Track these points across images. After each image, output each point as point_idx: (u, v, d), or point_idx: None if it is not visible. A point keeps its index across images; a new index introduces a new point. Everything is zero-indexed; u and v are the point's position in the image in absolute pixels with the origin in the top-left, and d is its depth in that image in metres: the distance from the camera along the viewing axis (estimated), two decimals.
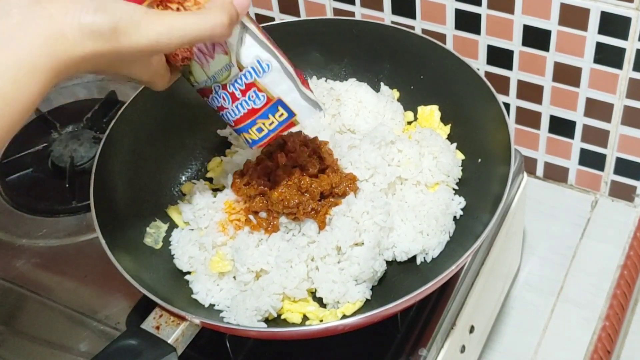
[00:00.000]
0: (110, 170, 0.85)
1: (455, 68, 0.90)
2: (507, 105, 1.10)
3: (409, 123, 0.95)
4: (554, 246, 1.10)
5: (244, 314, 0.77)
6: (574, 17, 0.96)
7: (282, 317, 0.79)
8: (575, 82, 1.02)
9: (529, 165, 1.16)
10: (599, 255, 1.08)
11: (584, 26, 0.96)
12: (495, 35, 1.03)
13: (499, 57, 1.05)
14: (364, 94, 0.93)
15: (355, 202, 0.80)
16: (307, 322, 0.79)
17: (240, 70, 0.71)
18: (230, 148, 0.94)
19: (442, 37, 1.07)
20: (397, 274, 0.82)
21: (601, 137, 1.07)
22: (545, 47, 1.01)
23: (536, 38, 1.00)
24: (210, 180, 0.92)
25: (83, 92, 1.16)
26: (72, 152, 1.05)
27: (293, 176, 0.81)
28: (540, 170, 1.17)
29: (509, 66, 1.06)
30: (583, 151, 1.10)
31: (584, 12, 0.95)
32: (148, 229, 0.86)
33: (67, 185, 1.02)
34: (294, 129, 0.76)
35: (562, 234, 1.11)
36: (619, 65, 0.98)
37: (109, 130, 0.86)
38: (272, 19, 1.19)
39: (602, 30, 0.95)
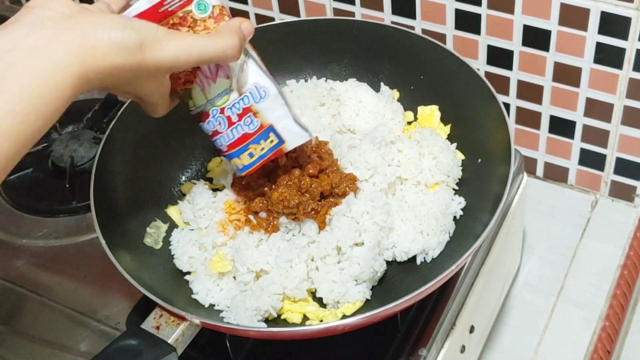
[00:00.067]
0: (110, 170, 0.85)
1: (455, 68, 0.90)
2: (507, 105, 1.10)
3: (409, 123, 0.95)
4: (554, 246, 1.10)
5: (244, 314, 0.77)
6: (574, 17, 0.96)
7: (282, 317, 0.79)
8: (575, 82, 1.02)
9: (529, 165, 1.16)
10: (599, 255, 1.08)
11: (584, 26, 0.96)
12: (495, 35, 1.03)
13: (499, 57, 1.05)
14: (364, 94, 0.93)
15: (355, 202, 0.80)
16: (307, 322, 0.79)
17: (239, 95, 0.73)
18: None
19: (442, 37, 1.07)
20: (397, 274, 0.82)
21: (601, 137, 1.07)
22: (545, 47, 1.01)
23: (536, 38, 1.00)
24: (210, 180, 0.92)
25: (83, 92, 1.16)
26: (72, 152, 1.05)
27: (293, 176, 0.81)
28: (540, 170, 1.17)
29: (509, 66, 1.06)
30: (583, 151, 1.10)
31: (584, 12, 0.95)
32: (148, 229, 0.86)
33: (67, 185, 1.02)
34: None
35: (562, 234, 1.11)
36: (619, 65, 0.98)
37: (109, 131, 0.87)
38: (272, 19, 1.19)
39: (602, 30, 0.95)
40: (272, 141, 0.76)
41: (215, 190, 0.88)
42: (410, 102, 0.95)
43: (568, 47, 0.99)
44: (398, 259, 0.82)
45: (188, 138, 0.92)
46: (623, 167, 1.09)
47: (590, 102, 1.04)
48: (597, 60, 0.99)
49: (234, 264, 0.80)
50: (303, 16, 1.16)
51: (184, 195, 0.90)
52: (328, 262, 0.79)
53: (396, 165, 0.85)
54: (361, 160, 0.83)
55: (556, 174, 1.16)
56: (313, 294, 0.80)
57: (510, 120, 1.03)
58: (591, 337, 1.00)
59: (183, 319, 0.73)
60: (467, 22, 1.04)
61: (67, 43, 0.58)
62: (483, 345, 1.00)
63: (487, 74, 1.08)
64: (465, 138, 0.90)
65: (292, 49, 0.98)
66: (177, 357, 0.72)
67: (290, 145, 0.76)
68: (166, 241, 0.86)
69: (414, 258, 0.82)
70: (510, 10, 0.99)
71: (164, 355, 0.71)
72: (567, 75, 1.02)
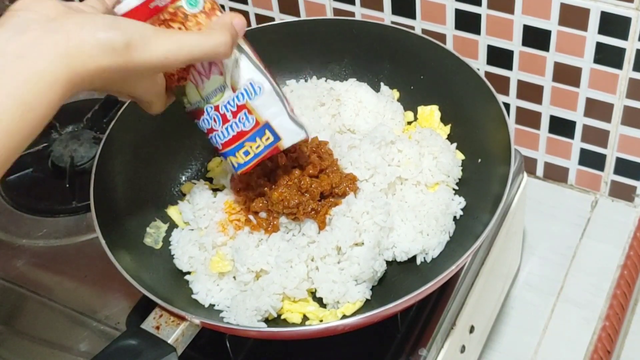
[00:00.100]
0: (110, 170, 0.85)
1: (455, 68, 0.90)
2: (507, 105, 1.10)
3: (409, 123, 0.95)
4: (554, 246, 1.10)
5: (244, 314, 0.77)
6: (574, 17, 0.96)
7: (282, 317, 0.79)
8: (575, 82, 1.02)
9: (529, 165, 1.16)
10: (599, 255, 1.08)
11: (584, 26, 0.96)
12: (495, 35, 1.03)
13: (499, 57, 1.05)
14: (364, 94, 0.93)
15: (355, 202, 0.80)
16: (307, 322, 0.79)
17: (234, 92, 0.72)
18: None
19: (442, 37, 1.07)
20: (397, 274, 0.82)
21: (601, 137, 1.07)
22: (545, 47, 1.01)
23: (536, 38, 1.00)
24: (210, 180, 0.92)
25: (83, 93, 1.16)
26: (72, 152, 1.05)
27: (293, 176, 0.81)
28: (540, 170, 1.17)
29: (509, 66, 1.06)
30: (583, 151, 1.10)
31: (584, 12, 0.95)
32: (148, 229, 0.86)
33: (67, 185, 1.02)
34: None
35: (562, 234, 1.11)
36: (619, 65, 0.98)
37: (109, 131, 0.87)
38: (272, 19, 1.19)
39: (602, 30, 0.95)
40: (268, 139, 0.74)
41: (215, 190, 0.88)
42: (410, 102, 0.95)
43: (568, 47, 0.99)
44: (398, 259, 0.82)
45: (188, 138, 0.92)
46: (623, 167, 1.09)
47: (590, 102, 1.04)
48: (597, 60, 0.99)
49: (234, 264, 0.80)
50: (303, 16, 1.16)
51: (184, 195, 0.90)
52: (328, 262, 0.79)
53: (396, 165, 0.85)
54: (361, 160, 0.83)
55: (556, 174, 1.16)
56: (313, 294, 0.80)
57: (510, 120, 1.03)
58: (591, 337, 1.00)
59: (183, 319, 0.73)
60: (467, 22, 1.04)
61: (51, 47, 0.57)
62: (483, 345, 1.00)
63: (487, 74, 1.08)
64: (465, 138, 0.90)
65: (292, 49, 0.98)
66: (177, 357, 0.72)
67: (286, 142, 0.75)
68: (166, 241, 0.86)
69: (414, 258, 0.82)
70: (510, 10, 0.99)
71: (164, 355, 0.71)
72: (567, 75, 1.02)
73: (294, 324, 0.79)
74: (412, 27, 1.08)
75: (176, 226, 0.87)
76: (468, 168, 0.88)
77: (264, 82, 0.72)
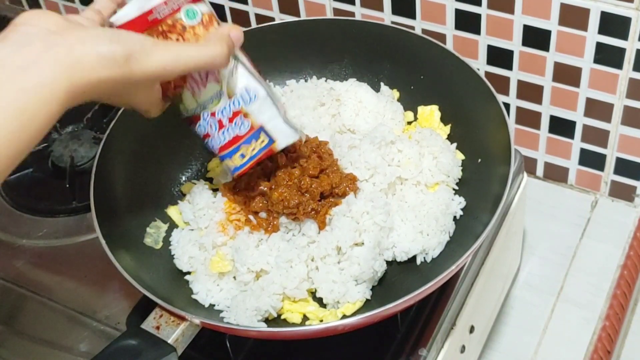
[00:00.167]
0: (110, 170, 0.85)
1: (455, 68, 0.90)
2: (507, 105, 1.10)
3: (409, 123, 0.95)
4: (554, 246, 1.10)
5: (244, 314, 0.77)
6: (574, 17, 0.96)
7: (282, 317, 0.79)
8: (575, 82, 1.02)
9: (529, 165, 1.16)
10: (599, 255, 1.08)
11: (584, 26, 0.96)
12: (495, 35, 1.03)
13: (499, 57, 1.05)
14: (364, 94, 0.93)
15: (355, 202, 0.80)
16: (307, 322, 0.79)
17: (230, 98, 0.74)
18: None
19: (442, 37, 1.07)
20: (397, 274, 0.82)
21: (601, 137, 1.07)
22: (545, 47, 1.01)
23: (536, 38, 1.00)
24: (210, 180, 0.92)
25: None
26: (72, 152, 1.05)
27: (293, 176, 0.81)
28: (540, 170, 1.17)
29: (509, 66, 1.06)
30: (583, 151, 1.10)
31: (584, 12, 0.95)
32: (148, 229, 0.86)
33: (67, 185, 1.02)
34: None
35: (562, 234, 1.11)
36: (619, 65, 0.98)
37: (109, 131, 0.87)
38: (272, 19, 1.19)
39: (602, 30, 0.95)
40: (262, 141, 0.76)
41: (215, 190, 0.88)
42: (410, 102, 0.95)
43: (568, 47, 0.99)
44: (398, 259, 0.82)
45: (188, 138, 0.91)
46: (623, 167, 1.09)
47: (590, 102, 1.04)
48: (597, 60, 0.99)
49: (234, 264, 0.80)
50: (303, 16, 1.16)
51: (184, 195, 0.90)
52: (328, 262, 0.79)
53: (396, 165, 0.85)
54: (361, 160, 0.83)
55: (556, 174, 1.16)
56: (313, 294, 0.80)
57: (510, 120, 1.03)
58: (591, 337, 1.00)
59: (183, 319, 0.73)
60: (467, 22, 1.04)
61: (53, 60, 0.58)
62: (483, 345, 1.00)
63: (487, 74, 1.08)
64: (465, 138, 0.90)
65: (292, 49, 0.98)
66: (177, 357, 0.72)
67: (280, 144, 0.77)
68: (166, 241, 0.86)
69: (414, 258, 0.82)
70: (510, 10, 0.99)
71: (164, 355, 0.71)
72: (567, 75, 1.02)
73: (294, 324, 0.79)
74: (412, 27, 1.08)
75: (176, 226, 0.87)
76: (468, 168, 0.88)
77: (259, 88, 0.74)
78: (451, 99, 0.92)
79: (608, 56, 0.97)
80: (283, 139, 0.77)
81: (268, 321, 0.78)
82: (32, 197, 1.02)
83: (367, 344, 0.82)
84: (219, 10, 1.22)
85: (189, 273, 0.83)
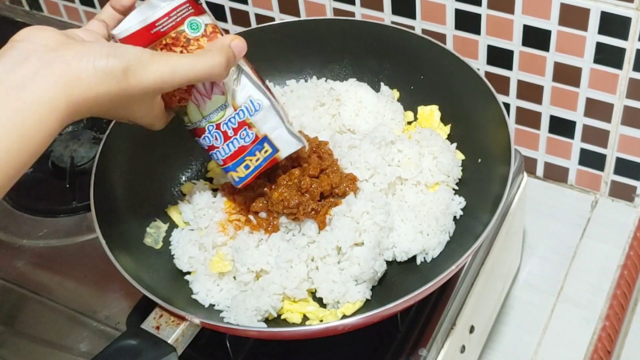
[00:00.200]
0: (111, 170, 0.85)
1: (455, 68, 0.90)
2: (507, 105, 1.10)
3: (409, 123, 0.95)
4: (554, 246, 1.10)
5: (244, 314, 0.77)
6: (574, 17, 0.96)
7: (282, 317, 0.79)
8: (575, 82, 1.02)
9: (529, 165, 1.16)
10: (599, 255, 1.08)
11: (584, 26, 0.96)
12: (495, 35, 1.03)
13: (499, 57, 1.05)
14: (364, 94, 0.93)
15: (355, 202, 0.80)
16: (307, 322, 0.79)
17: (235, 110, 0.74)
18: None
19: (442, 37, 1.07)
20: (397, 274, 0.82)
21: (601, 137, 1.07)
22: (545, 47, 1.01)
23: (536, 38, 1.00)
24: (210, 180, 0.92)
25: None
26: (72, 152, 1.05)
27: (293, 176, 0.81)
28: (540, 170, 1.17)
29: (509, 66, 1.06)
30: (583, 151, 1.10)
31: (584, 12, 0.95)
32: (148, 229, 0.86)
33: (67, 185, 1.02)
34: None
35: (562, 234, 1.11)
36: (619, 65, 0.98)
37: (109, 131, 0.87)
38: (272, 19, 1.19)
39: (602, 30, 0.95)
40: (266, 151, 0.76)
41: (215, 190, 0.88)
42: (410, 102, 0.95)
43: (568, 47, 0.99)
44: (398, 259, 0.82)
45: (188, 138, 0.91)
46: (623, 167, 1.09)
47: (590, 102, 1.04)
48: (597, 60, 0.99)
49: (234, 264, 0.80)
50: (303, 16, 1.16)
51: (184, 195, 0.90)
52: (328, 262, 0.79)
53: (396, 165, 0.85)
54: (361, 160, 0.83)
55: (556, 174, 1.16)
56: (313, 294, 0.80)
57: (510, 120, 1.03)
58: (591, 337, 1.00)
59: (183, 319, 0.73)
60: (467, 22, 1.04)
61: (50, 77, 0.58)
62: (483, 345, 1.00)
63: (487, 74, 1.08)
64: (465, 138, 0.90)
65: (292, 49, 0.98)
66: (177, 357, 0.72)
67: (283, 153, 0.77)
68: (166, 241, 0.86)
69: (414, 258, 0.82)
70: (510, 10, 0.99)
71: (164, 355, 0.71)
72: (567, 75, 1.02)
73: (294, 324, 0.79)
74: (412, 27, 1.08)
75: (176, 226, 0.87)
76: (468, 168, 0.88)
77: (263, 98, 0.74)
78: (451, 99, 0.92)
79: (608, 56, 0.97)
80: (286, 148, 0.77)
81: (268, 321, 0.78)
82: (32, 197, 1.02)
83: (367, 344, 0.82)
84: (219, 10, 1.22)
85: (189, 273, 0.83)
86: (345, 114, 0.91)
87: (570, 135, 1.09)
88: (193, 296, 0.81)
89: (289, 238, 0.81)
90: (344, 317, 0.78)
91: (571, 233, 1.11)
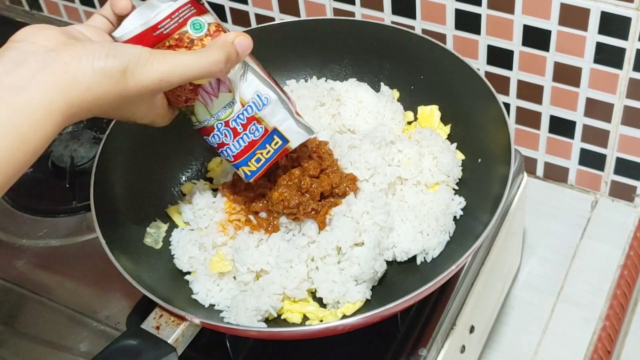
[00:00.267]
0: (111, 170, 0.85)
1: (455, 68, 0.90)
2: (507, 105, 1.10)
3: (409, 123, 0.95)
4: (554, 246, 1.10)
5: (244, 314, 0.77)
6: (574, 17, 0.96)
7: (282, 317, 0.79)
8: (575, 82, 1.02)
9: (529, 165, 1.16)
10: (599, 255, 1.08)
11: (584, 26, 0.96)
12: (495, 35, 1.03)
13: (499, 57, 1.05)
14: (364, 94, 0.93)
15: (355, 202, 0.80)
16: (307, 322, 0.79)
17: (242, 106, 0.74)
18: None
19: (442, 37, 1.07)
20: (397, 274, 0.82)
21: (601, 137, 1.07)
22: (545, 47, 1.01)
23: (536, 38, 1.00)
24: (210, 180, 0.92)
25: None
26: (72, 152, 1.05)
27: (293, 176, 0.81)
28: (540, 170, 1.17)
29: (509, 66, 1.06)
30: (583, 151, 1.10)
31: (584, 12, 0.95)
32: (148, 229, 0.86)
33: (67, 185, 1.02)
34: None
35: (562, 234, 1.11)
36: (619, 65, 0.98)
37: (109, 131, 0.87)
38: (272, 19, 1.19)
39: (602, 30, 0.95)
40: (277, 143, 0.76)
41: (215, 190, 0.88)
42: (410, 102, 0.95)
43: (568, 47, 0.99)
44: (398, 259, 0.82)
45: (188, 138, 0.91)
46: (623, 167, 1.09)
47: (590, 102, 1.04)
48: (597, 60, 0.99)
49: (234, 264, 0.80)
50: (303, 16, 1.16)
51: (184, 195, 0.90)
52: (328, 262, 0.79)
53: (396, 165, 0.85)
54: (361, 160, 0.83)
55: (556, 174, 1.16)
56: (313, 294, 0.80)
57: (510, 120, 1.03)
58: (591, 337, 1.00)
59: (183, 319, 0.73)
60: (467, 22, 1.04)
61: (49, 79, 0.57)
62: (483, 345, 1.00)
63: (487, 74, 1.08)
64: (465, 138, 0.90)
65: (292, 49, 0.98)
66: (177, 357, 0.72)
67: (294, 144, 0.77)
68: (166, 241, 0.86)
69: (414, 258, 0.82)
70: (510, 10, 0.99)
71: (164, 355, 0.71)
72: (567, 75, 1.02)
73: (294, 324, 0.79)
74: (412, 27, 1.08)
75: (176, 226, 0.87)
76: (468, 168, 0.88)
77: (270, 92, 0.74)
78: (451, 99, 0.92)
79: (608, 56, 0.97)
80: (296, 139, 0.77)
81: (268, 321, 0.78)
82: (32, 197, 1.02)
83: (367, 344, 0.82)
84: (219, 10, 1.22)
85: (189, 273, 0.83)
86: (345, 114, 0.91)
87: (571, 135, 1.09)
88: (193, 296, 0.81)
89: (289, 238, 0.81)
90: (344, 317, 0.78)
91: (571, 233, 1.11)
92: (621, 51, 0.96)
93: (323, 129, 0.89)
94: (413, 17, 1.07)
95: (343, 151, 0.86)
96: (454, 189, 0.86)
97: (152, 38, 0.68)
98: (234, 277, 0.81)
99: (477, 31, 1.04)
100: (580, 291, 1.05)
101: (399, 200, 0.84)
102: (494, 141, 0.84)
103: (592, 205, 1.14)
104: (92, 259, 0.93)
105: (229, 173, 0.87)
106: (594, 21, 0.95)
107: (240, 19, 1.22)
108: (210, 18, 0.71)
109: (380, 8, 1.09)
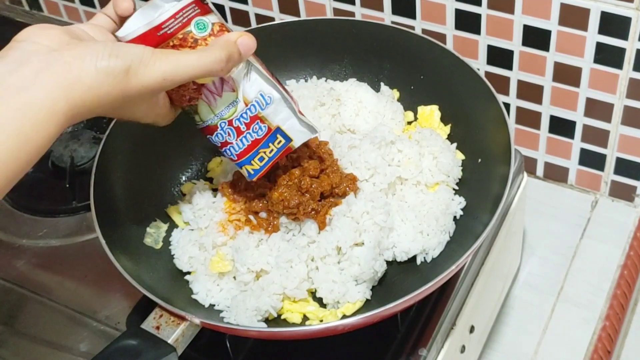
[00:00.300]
0: (111, 170, 0.85)
1: (455, 68, 0.90)
2: (507, 105, 1.10)
3: (409, 123, 0.95)
4: (554, 246, 1.10)
5: (244, 314, 0.77)
6: (574, 17, 0.96)
7: (282, 317, 0.79)
8: (575, 82, 1.02)
9: (529, 165, 1.16)
10: (599, 255, 1.08)
11: (584, 26, 0.96)
12: (495, 35, 1.03)
13: (499, 57, 1.05)
14: (364, 94, 0.93)
15: (355, 202, 0.80)
16: (307, 322, 0.79)
17: (246, 105, 0.74)
18: None
19: (442, 37, 1.07)
20: (397, 274, 0.82)
21: (601, 137, 1.07)
22: (545, 47, 1.01)
23: (536, 38, 1.00)
24: (210, 180, 0.92)
25: None
26: (72, 152, 1.05)
27: (293, 176, 0.81)
28: (540, 170, 1.17)
29: (509, 66, 1.06)
30: (583, 151, 1.10)
31: (584, 12, 0.95)
32: (148, 229, 0.86)
33: (67, 185, 1.02)
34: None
35: (562, 234, 1.11)
36: (619, 65, 0.98)
37: (109, 131, 0.87)
38: (272, 19, 1.19)
39: (602, 30, 0.95)
40: (280, 142, 0.76)
41: (215, 190, 0.88)
42: (410, 102, 0.95)
43: (568, 47, 0.99)
44: (398, 259, 0.82)
45: (188, 138, 0.92)
46: (623, 167, 1.09)
47: (590, 102, 1.04)
48: (597, 60, 0.99)
49: (234, 264, 0.80)
50: (303, 16, 1.16)
51: (184, 195, 0.90)
52: (328, 262, 0.79)
53: (396, 165, 0.85)
54: (361, 160, 0.83)
55: (556, 174, 1.16)
56: (313, 294, 0.80)
57: (510, 120, 1.03)
58: (591, 337, 1.00)
59: (183, 319, 0.73)
60: (467, 22, 1.04)
61: (52, 79, 0.57)
62: (483, 345, 1.00)
63: (487, 74, 1.08)
64: (465, 138, 0.90)
65: (292, 49, 0.98)
66: (177, 357, 0.72)
67: (297, 142, 0.77)
68: (166, 241, 0.86)
69: (414, 258, 0.82)
70: (510, 10, 0.99)
71: (164, 355, 0.71)
72: (567, 75, 1.02)
73: (294, 324, 0.79)
74: (412, 27, 1.08)
75: (176, 226, 0.87)
76: (468, 168, 0.88)
77: (273, 91, 0.74)
78: (451, 99, 0.92)
79: (608, 56, 0.97)
80: (299, 137, 0.77)
81: (268, 321, 0.78)
82: (32, 197, 1.02)
83: (367, 344, 0.82)
84: (219, 10, 1.21)
85: (189, 273, 0.83)
86: (345, 114, 0.91)
87: (570, 135, 1.09)
88: (193, 296, 0.81)
89: (289, 238, 0.81)
90: (344, 317, 0.78)
91: (571, 233, 1.11)
92: (621, 51, 0.96)
93: (323, 129, 0.89)
94: (413, 17, 1.07)
95: (343, 151, 0.86)
96: (454, 189, 0.86)
97: (156, 38, 0.68)
98: (234, 277, 0.81)
99: (477, 31, 1.04)
100: (580, 291, 1.05)
101: (399, 200, 0.84)
102: (494, 141, 0.84)
103: (592, 205, 1.14)
104: (92, 259, 0.93)
105: (229, 173, 0.87)
106: (594, 21, 0.95)
107: (240, 19, 1.22)
108: (214, 18, 0.71)
109: (380, 8, 1.09)
